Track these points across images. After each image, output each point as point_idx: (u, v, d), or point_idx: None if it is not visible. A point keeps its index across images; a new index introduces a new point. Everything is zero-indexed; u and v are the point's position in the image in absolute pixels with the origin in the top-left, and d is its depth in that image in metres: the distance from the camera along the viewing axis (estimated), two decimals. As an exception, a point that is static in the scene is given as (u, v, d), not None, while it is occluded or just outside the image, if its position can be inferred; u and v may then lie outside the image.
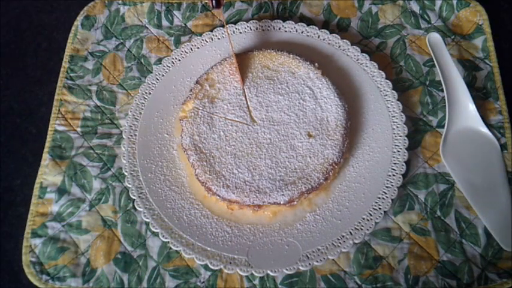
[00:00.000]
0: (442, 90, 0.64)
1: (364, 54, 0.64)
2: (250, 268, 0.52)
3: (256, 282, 0.54)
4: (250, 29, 0.68)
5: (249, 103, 0.60)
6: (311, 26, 0.67)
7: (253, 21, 0.69)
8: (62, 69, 0.67)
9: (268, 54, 0.62)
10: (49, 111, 0.64)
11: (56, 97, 0.65)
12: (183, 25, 0.71)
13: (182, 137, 0.58)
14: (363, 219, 0.54)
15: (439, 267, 0.54)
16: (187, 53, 0.67)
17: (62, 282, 0.54)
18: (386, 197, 0.55)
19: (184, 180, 0.58)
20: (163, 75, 0.65)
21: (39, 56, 0.71)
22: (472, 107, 0.61)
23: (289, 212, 0.55)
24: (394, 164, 0.57)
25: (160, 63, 0.66)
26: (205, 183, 0.55)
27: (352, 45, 0.65)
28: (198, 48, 0.67)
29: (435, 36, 0.66)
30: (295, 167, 0.55)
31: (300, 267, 0.52)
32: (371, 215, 0.54)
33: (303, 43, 0.67)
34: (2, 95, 0.68)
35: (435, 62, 0.64)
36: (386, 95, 0.61)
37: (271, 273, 0.52)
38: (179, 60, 0.66)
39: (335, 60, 0.65)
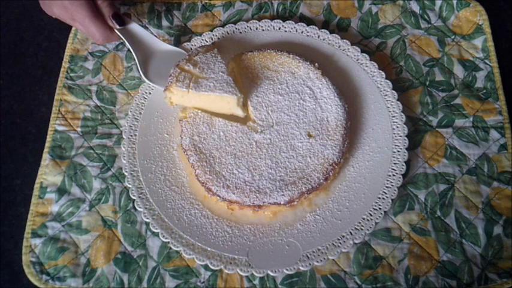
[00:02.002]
0: (442, 91, 0.64)
1: (364, 54, 0.64)
2: (251, 268, 0.52)
3: (256, 282, 0.54)
4: (250, 29, 0.68)
5: (249, 103, 0.60)
6: (311, 26, 0.67)
7: (253, 21, 0.69)
8: (62, 69, 0.67)
9: (268, 54, 0.62)
10: (49, 111, 0.64)
11: (56, 97, 0.65)
12: (183, 25, 0.71)
13: (182, 138, 0.58)
14: (363, 219, 0.54)
15: (439, 267, 0.54)
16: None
17: (62, 282, 0.54)
18: (387, 197, 0.55)
19: (185, 181, 0.58)
20: (163, 75, 0.65)
21: (39, 56, 0.71)
22: None
23: (289, 212, 0.55)
24: (394, 164, 0.57)
25: (160, 63, 0.66)
26: (206, 184, 0.55)
27: (352, 45, 0.65)
28: (198, 48, 0.67)
29: None
30: (295, 167, 0.55)
31: (300, 267, 0.52)
32: (371, 215, 0.54)
33: (303, 43, 0.67)
34: (2, 95, 0.68)
35: None
36: (386, 95, 0.61)
37: (271, 273, 0.52)
38: (179, 60, 0.66)
39: (335, 60, 0.65)
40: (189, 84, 0.58)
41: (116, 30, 0.61)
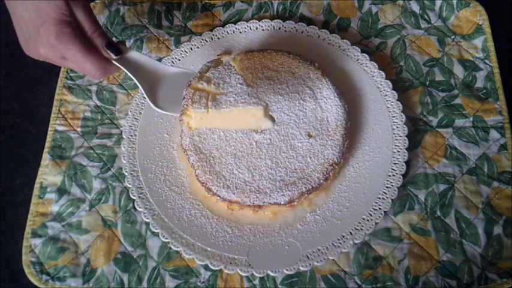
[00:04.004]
0: (442, 90, 0.64)
1: (364, 54, 0.64)
2: (251, 268, 0.52)
3: (256, 282, 0.54)
4: (250, 29, 0.68)
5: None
6: (311, 26, 0.67)
7: (253, 21, 0.69)
8: (62, 69, 0.67)
9: (268, 54, 0.62)
10: (49, 111, 0.64)
11: (56, 97, 0.65)
12: (183, 25, 0.71)
13: (182, 138, 0.57)
14: (363, 219, 0.54)
15: (439, 267, 0.54)
16: (187, 52, 0.67)
17: (62, 282, 0.55)
18: (387, 197, 0.55)
19: (185, 181, 0.58)
20: (163, 75, 0.65)
21: (39, 56, 0.70)
22: None
23: (289, 212, 0.55)
24: (394, 164, 0.57)
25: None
26: (206, 184, 0.55)
27: (352, 45, 0.65)
28: (198, 48, 0.67)
29: None
30: (295, 167, 0.55)
31: (300, 268, 0.52)
32: (371, 215, 0.54)
33: (303, 43, 0.66)
34: (2, 95, 0.68)
35: None
36: (386, 95, 0.61)
37: (271, 274, 0.52)
38: (179, 60, 0.66)
39: (335, 60, 0.65)
40: (207, 104, 0.53)
41: (114, 61, 0.53)
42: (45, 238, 0.57)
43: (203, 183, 0.55)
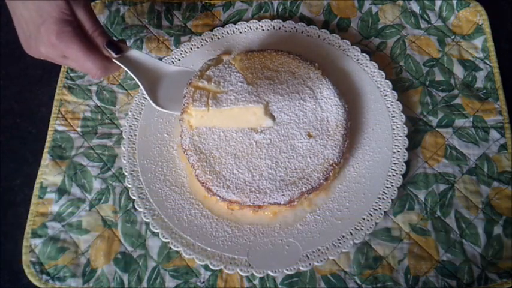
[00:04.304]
0: (442, 90, 0.64)
1: (364, 54, 0.64)
2: (251, 268, 0.52)
3: (256, 282, 0.54)
4: (250, 29, 0.68)
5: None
6: (311, 26, 0.67)
7: (253, 21, 0.69)
8: (62, 69, 0.67)
9: (268, 54, 0.62)
10: (49, 111, 0.64)
11: (56, 97, 0.65)
12: (183, 25, 0.71)
13: (182, 138, 0.57)
14: (363, 219, 0.54)
15: (439, 267, 0.54)
16: (187, 52, 0.67)
17: (62, 282, 0.55)
18: (387, 197, 0.55)
19: (185, 181, 0.58)
20: (163, 75, 0.65)
21: (39, 56, 0.70)
22: None
23: (289, 212, 0.55)
24: (394, 164, 0.57)
25: (160, 63, 0.66)
26: (206, 184, 0.55)
27: (352, 45, 0.65)
28: (198, 48, 0.67)
29: None
30: (295, 167, 0.55)
31: (300, 268, 0.52)
32: (371, 215, 0.54)
33: (303, 43, 0.66)
34: (2, 95, 0.68)
35: None
36: (386, 95, 0.61)
37: (271, 274, 0.52)
38: (179, 60, 0.66)
39: (335, 60, 0.65)
40: (208, 102, 0.54)
41: (114, 60, 0.53)
42: (45, 238, 0.57)
43: (203, 183, 0.55)
